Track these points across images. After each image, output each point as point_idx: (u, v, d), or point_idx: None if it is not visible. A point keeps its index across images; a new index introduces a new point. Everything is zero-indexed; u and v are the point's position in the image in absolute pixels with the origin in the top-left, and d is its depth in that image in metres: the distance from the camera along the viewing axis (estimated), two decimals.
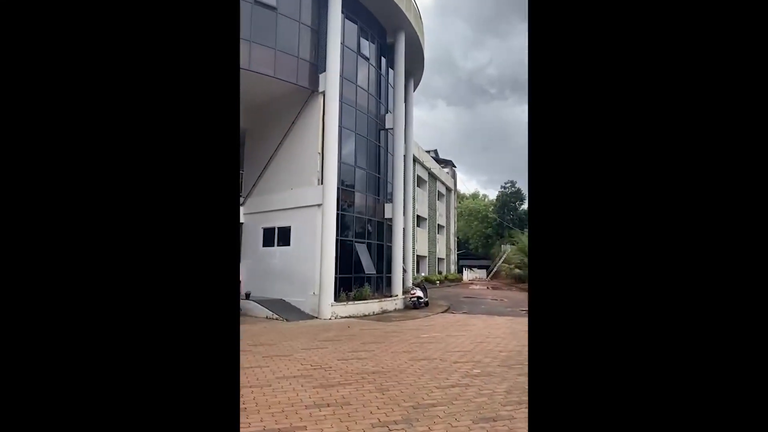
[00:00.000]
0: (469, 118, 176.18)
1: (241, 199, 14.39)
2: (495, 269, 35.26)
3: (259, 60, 11.47)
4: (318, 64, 12.73)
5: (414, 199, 21.77)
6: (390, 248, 15.45)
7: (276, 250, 13.28)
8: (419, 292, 14.77)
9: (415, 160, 22.13)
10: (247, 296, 12.32)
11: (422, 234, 27.92)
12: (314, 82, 12.61)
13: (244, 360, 6.32)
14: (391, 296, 14.54)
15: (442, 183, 33.10)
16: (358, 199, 14.00)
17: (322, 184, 12.15)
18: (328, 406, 4.21)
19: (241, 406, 4.18)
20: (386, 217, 15.18)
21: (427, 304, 14.91)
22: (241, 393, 4.61)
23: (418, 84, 20.25)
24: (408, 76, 17.82)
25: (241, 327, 9.74)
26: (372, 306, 13.01)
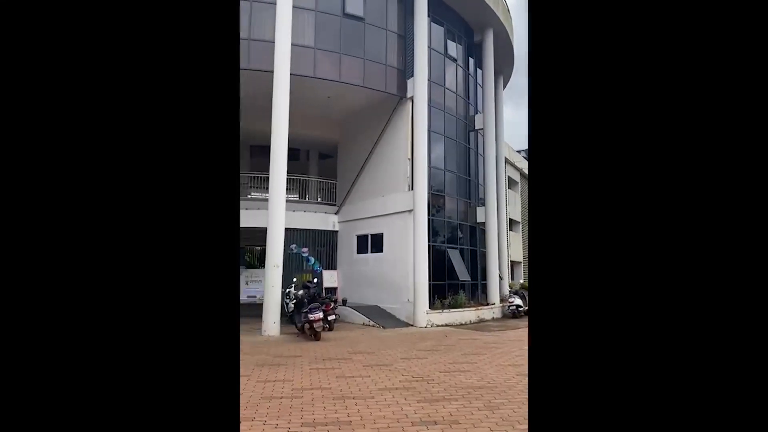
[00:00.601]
0: None
1: (335, 208, 14.80)
2: None
3: (348, 71, 11.72)
4: (405, 70, 12.68)
5: (506, 201, 20.77)
6: (484, 254, 14.82)
7: (369, 257, 13.40)
8: (518, 300, 13.93)
9: (506, 161, 21.14)
10: (344, 302, 12.55)
11: (516, 238, 26.56)
12: (402, 89, 12.57)
13: (345, 369, 6.32)
14: (487, 304, 13.90)
15: None
16: (449, 203, 13.66)
17: (412, 189, 12.02)
18: (436, 424, 3.95)
19: (346, 419, 4.09)
20: (478, 221, 14.61)
21: (527, 313, 14.01)
22: (344, 404, 4.54)
23: (507, 81, 19.38)
24: (497, 74, 17.07)
25: (339, 333, 9.91)
26: (468, 314, 12.53)
